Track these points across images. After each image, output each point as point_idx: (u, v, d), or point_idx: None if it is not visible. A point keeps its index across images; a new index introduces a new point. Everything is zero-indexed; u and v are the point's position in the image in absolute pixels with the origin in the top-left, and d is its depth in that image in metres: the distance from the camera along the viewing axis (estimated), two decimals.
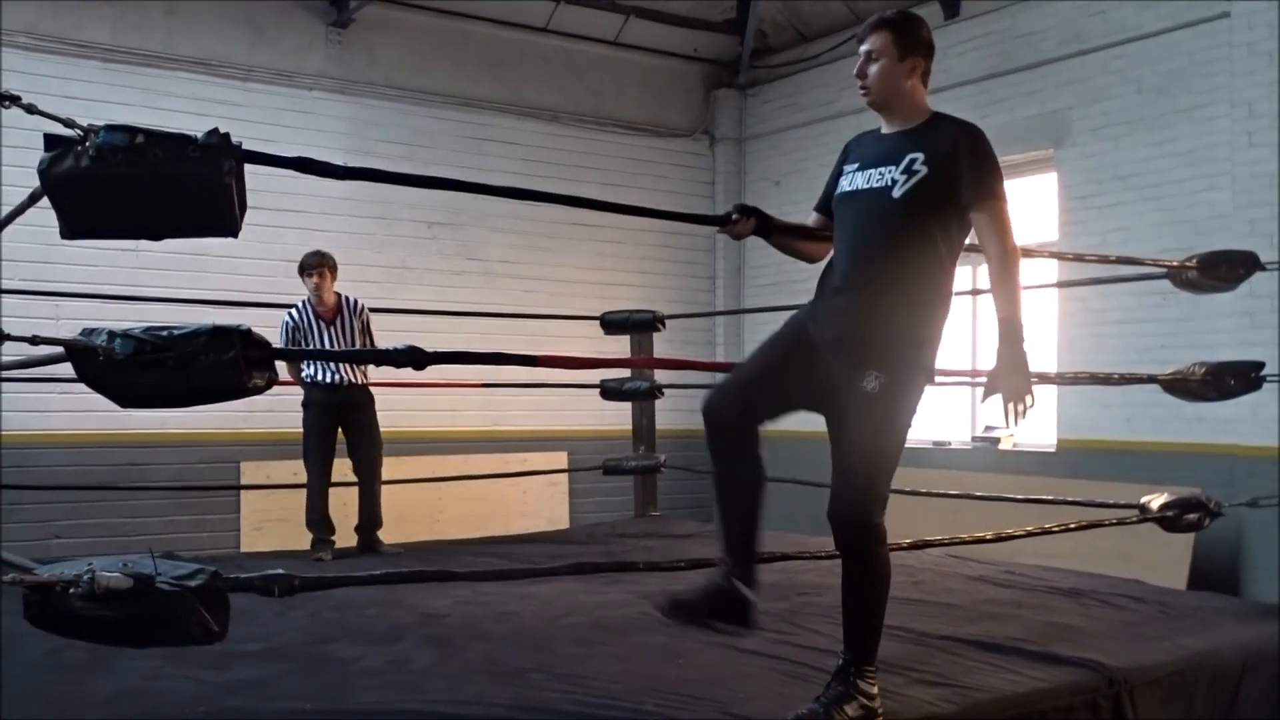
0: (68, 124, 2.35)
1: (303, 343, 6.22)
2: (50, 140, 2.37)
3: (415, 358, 2.83)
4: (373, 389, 6.41)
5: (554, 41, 9.50)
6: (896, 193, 3.03)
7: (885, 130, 3.19)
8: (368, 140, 8.46)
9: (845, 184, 3.21)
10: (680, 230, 9.83)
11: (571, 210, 9.16)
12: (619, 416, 7.63)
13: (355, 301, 6.40)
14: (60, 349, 2.31)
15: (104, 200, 2.32)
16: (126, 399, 2.35)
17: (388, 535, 6.46)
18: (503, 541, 6.74)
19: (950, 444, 8.54)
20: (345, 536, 6.36)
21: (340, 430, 6.34)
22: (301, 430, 6.36)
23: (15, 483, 5.92)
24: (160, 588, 2.12)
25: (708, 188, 10.30)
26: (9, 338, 2.21)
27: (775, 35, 10.05)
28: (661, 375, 6.76)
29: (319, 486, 6.28)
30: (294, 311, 6.29)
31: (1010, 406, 2.95)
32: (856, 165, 3.19)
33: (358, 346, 6.34)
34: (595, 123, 9.71)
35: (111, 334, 2.26)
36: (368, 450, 6.37)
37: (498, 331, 7.95)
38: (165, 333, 2.27)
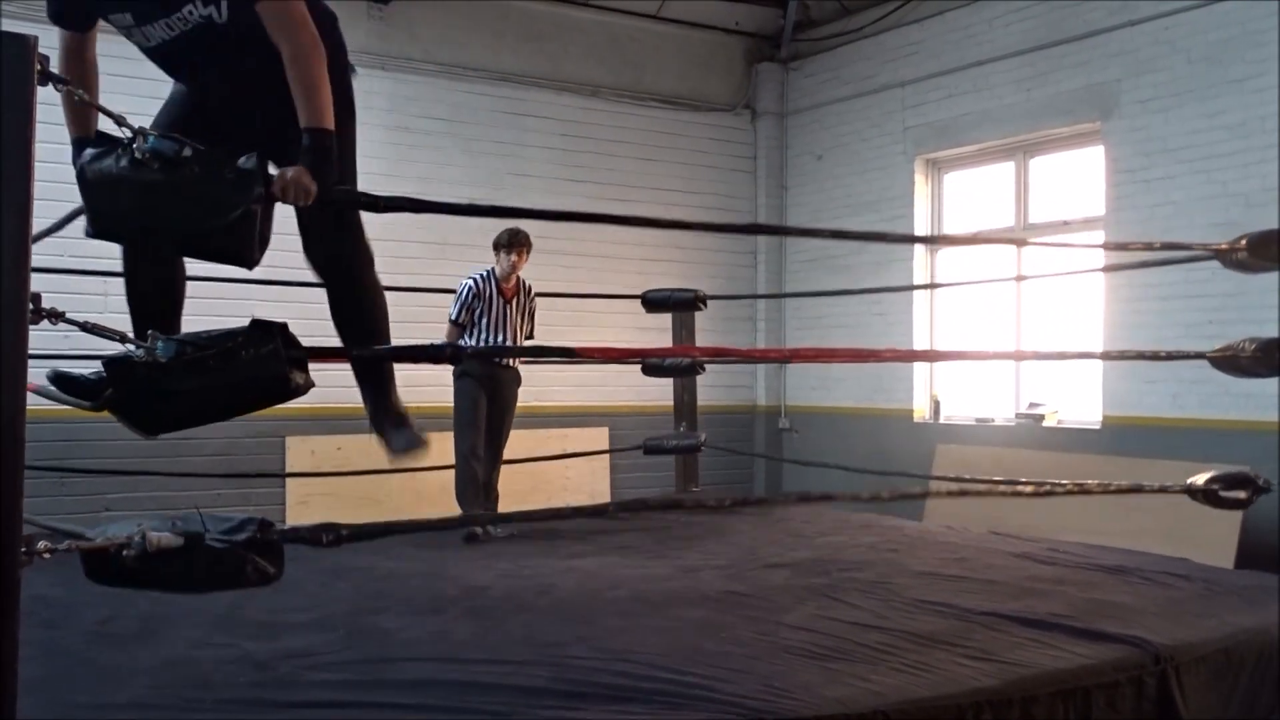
0: (119, 120, 2.36)
1: (478, 311, 6.36)
2: (98, 138, 2.40)
3: (452, 355, 2.86)
4: (418, 366, 6.49)
5: (594, 15, 9.47)
6: (220, 20, 2.88)
7: None
8: (407, 116, 8.47)
9: (139, 40, 3.03)
10: (722, 208, 9.82)
11: (610, 186, 9.22)
12: (660, 392, 7.62)
13: (529, 285, 6.61)
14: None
15: (134, 205, 2.32)
16: (158, 418, 2.36)
17: (434, 506, 6.52)
18: (544, 516, 6.76)
19: (993, 420, 8.49)
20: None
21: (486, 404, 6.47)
22: (452, 401, 6.43)
23: (66, 456, 6.01)
24: (210, 544, 2.12)
25: (749, 162, 10.24)
26: (61, 317, 2.21)
27: (817, 8, 9.97)
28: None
29: (472, 457, 6.33)
30: (478, 279, 6.41)
31: (287, 191, 2.62)
32: (130, 19, 2.96)
33: (526, 329, 6.56)
34: (635, 97, 9.68)
35: (153, 338, 2.28)
36: (504, 428, 6.52)
37: (539, 308, 7.96)
38: (203, 335, 2.29)
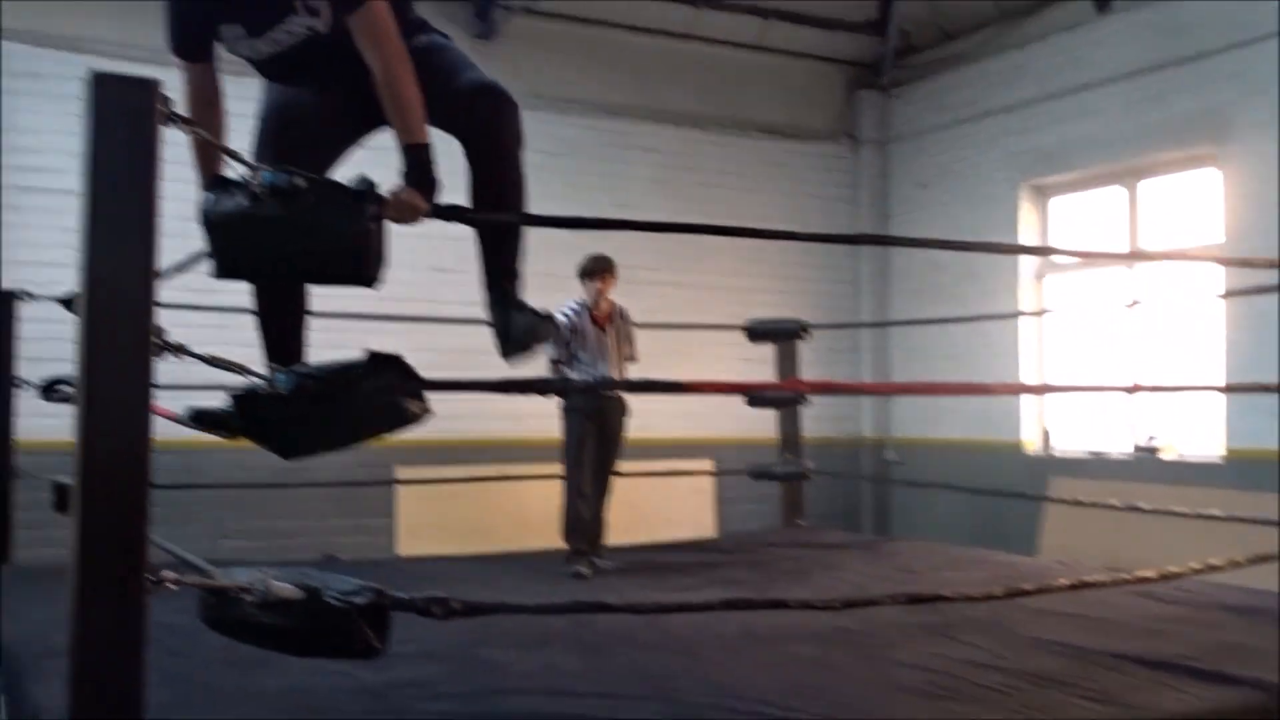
0: (235, 157, 2.42)
1: (575, 345, 6.29)
2: (217, 181, 2.46)
3: (559, 387, 2.86)
4: (523, 399, 6.50)
5: (694, 47, 9.52)
6: (324, 30, 2.92)
7: None
8: None
9: (247, 52, 3.04)
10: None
11: (712, 217, 9.20)
12: (764, 424, 7.58)
13: (622, 309, 6.52)
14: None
15: (255, 241, 2.36)
16: (287, 443, 2.41)
17: (540, 538, 6.53)
18: (650, 549, 6.75)
19: (1109, 454, 8.26)
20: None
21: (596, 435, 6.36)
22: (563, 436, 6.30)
23: (188, 483, 6.17)
24: (328, 601, 2.17)
25: (850, 191, 10.18)
26: (185, 351, 2.27)
27: (918, 34, 9.89)
28: None
29: (579, 494, 6.23)
30: (569, 312, 6.35)
31: (401, 213, 2.72)
32: (242, 30, 2.98)
33: (626, 354, 6.48)
34: (735, 127, 9.70)
35: (273, 371, 2.34)
36: (612, 458, 6.42)
37: (641, 339, 8.00)
38: (323, 367, 2.34)
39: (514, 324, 3.19)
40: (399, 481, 7.93)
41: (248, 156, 2.80)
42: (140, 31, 7.11)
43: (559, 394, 6.01)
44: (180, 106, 2.90)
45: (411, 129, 2.83)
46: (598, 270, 6.37)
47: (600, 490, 6.41)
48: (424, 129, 2.87)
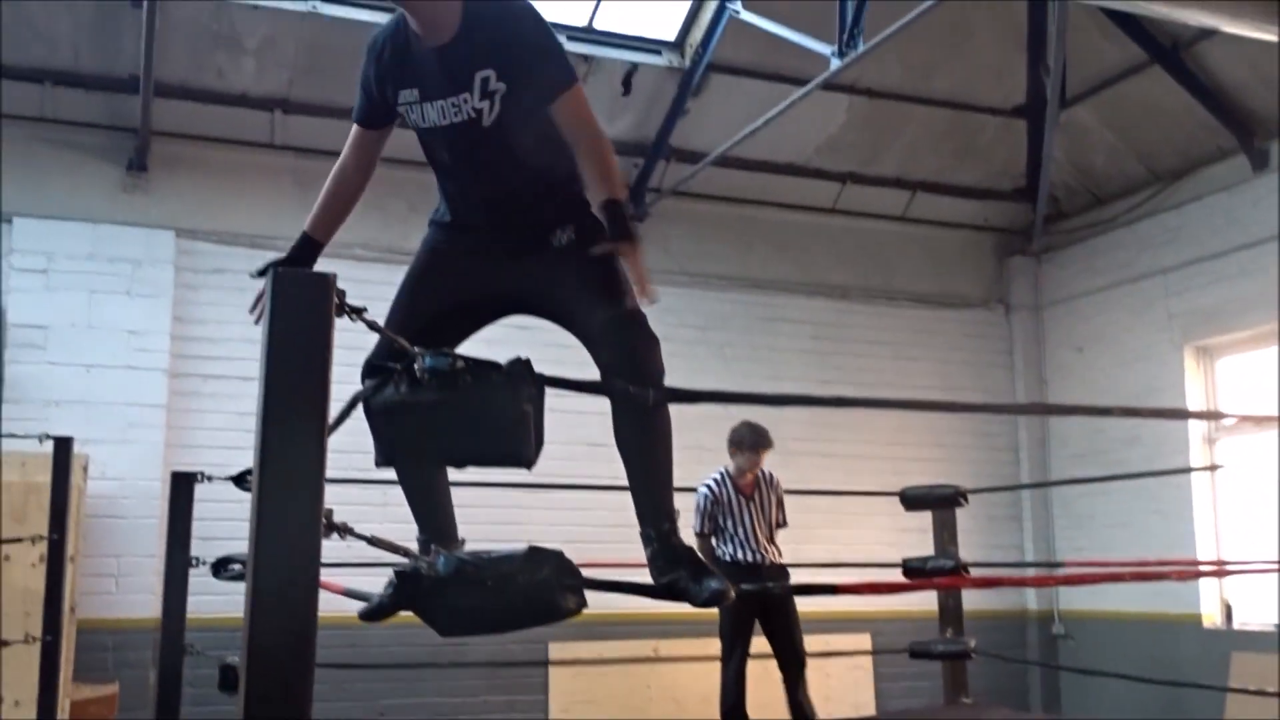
0: (395, 341, 2.52)
1: (720, 517, 6.19)
2: (368, 368, 2.55)
3: (713, 600, 2.82)
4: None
5: (841, 221, 9.65)
6: (487, 122, 2.91)
7: (428, 42, 2.91)
8: (665, 325, 8.46)
9: (416, 118, 3.02)
10: (979, 402, 9.62)
11: (864, 387, 9.17)
12: (924, 597, 7.36)
13: (770, 475, 6.35)
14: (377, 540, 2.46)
15: (416, 425, 2.39)
16: (445, 622, 2.45)
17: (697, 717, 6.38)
18: None
19: None
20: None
21: (760, 613, 6.11)
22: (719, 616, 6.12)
23: (346, 661, 6.27)
24: None
25: (1005, 357, 10.03)
26: (350, 532, 2.35)
27: (1068, 200, 9.85)
28: (967, 553, 6.49)
29: (737, 675, 6.04)
30: (713, 484, 6.27)
31: (632, 262, 2.85)
32: (417, 94, 2.98)
33: (775, 521, 6.29)
34: (885, 297, 9.72)
35: (436, 553, 2.40)
36: (792, 634, 6.16)
37: (795, 509, 7.91)
38: (483, 556, 2.38)
39: (689, 591, 2.95)
40: (554, 662, 7.90)
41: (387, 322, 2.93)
42: None
43: (715, 606, 5.89)
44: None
45: (615, 187, 2.95)
46: (760, 445, 6.22)
47: (793, 667, 6.09)
48: (624, 187, 2.99)
